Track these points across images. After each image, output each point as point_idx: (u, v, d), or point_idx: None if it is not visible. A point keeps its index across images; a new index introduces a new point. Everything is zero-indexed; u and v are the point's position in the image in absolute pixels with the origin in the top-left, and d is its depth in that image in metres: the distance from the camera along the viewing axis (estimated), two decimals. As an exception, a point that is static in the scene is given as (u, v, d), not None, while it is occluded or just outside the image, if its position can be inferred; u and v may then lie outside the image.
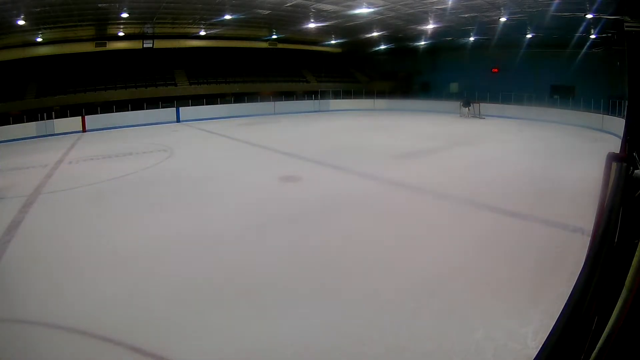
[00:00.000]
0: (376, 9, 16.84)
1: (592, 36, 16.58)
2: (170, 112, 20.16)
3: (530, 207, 5.67)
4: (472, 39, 20.54)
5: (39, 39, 17.84)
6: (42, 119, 16.55)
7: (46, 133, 16.22)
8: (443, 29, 19.22)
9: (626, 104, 11.85)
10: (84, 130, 17.20)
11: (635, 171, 2.03)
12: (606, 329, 0.99)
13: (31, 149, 13.03)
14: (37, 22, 15.84)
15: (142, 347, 2.80)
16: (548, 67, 19.33)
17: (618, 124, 12.40)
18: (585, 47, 17.31)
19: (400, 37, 22.66)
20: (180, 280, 3.86)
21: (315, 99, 24.54)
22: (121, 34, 19.96)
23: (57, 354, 2.81)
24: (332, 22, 19.24)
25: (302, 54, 26.57)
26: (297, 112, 22.59)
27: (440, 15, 17.26)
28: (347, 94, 24.93)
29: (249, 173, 8.65)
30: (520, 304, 3.20)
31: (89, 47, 19.72)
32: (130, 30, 19.75)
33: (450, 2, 15.12)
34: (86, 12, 15.98)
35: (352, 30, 21.50)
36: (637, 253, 1.10)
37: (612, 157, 1.86)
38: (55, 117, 17.20)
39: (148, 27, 19.57)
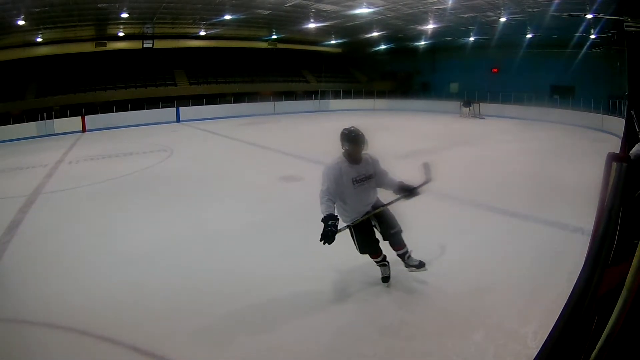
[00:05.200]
0: (376, 9, 16.85)
1: (592, 36, 16.59)
2: (170, 112, 20.15)
3: (530, 207, 5.67)
4: (472, 39, 20.54)
5: (39, 39, 17.84)
6: (42, 119, 16.55)
7: (46, 133, 16.22)
8: (443, 29, 19.22)
9: (626, 104, 11.86)
10: (84, 130, 17.20)
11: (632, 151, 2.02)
12: (606, 329, 0.99)
13: (31, 149, 13.03)
14: (37, 22, 15.84)
15: (142, 347, 2.79)
16: (548, 67, 19.32)
17: (618, 124, 12.40)
18: (585, 47, 17.32)
19: (400, 37, 22.66)
20: (180, 279, 3.86)
21: (315, 99, 24.52)
22: (121, 34, 19.96)
23: (57, 354, 2.81)
24: (332, 22, 19.24)
25: (302, 54, 26.57)
26: (297, 112, 22.57)
27: (440, 15, 17.26)
28: (347, 94, 24.91)
29: (249, 173, 8.65)
30: (519, 304, 3.20)
31: (88, 47, 19.72)
32: (130, 30, 19.76)
33: (450, 2, 15.13)
34: (86, 12, 15.99)
35: (352, 30, 21.51)
36: (637, 253, 1.10)
37: (612, 157, 1.86)
38: (55, 117, 17.19)
39: (148, 27, 19.57)
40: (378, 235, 3.38)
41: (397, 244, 3.37)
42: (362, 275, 3.69)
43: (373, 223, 3.33)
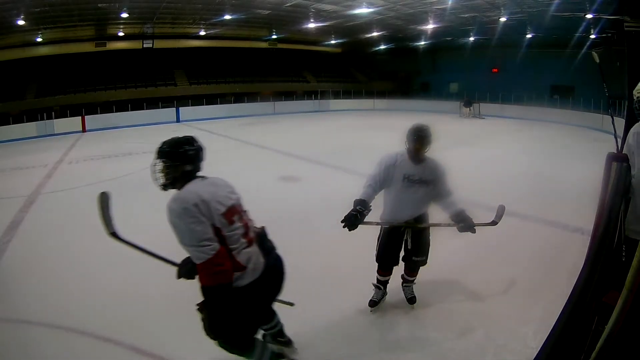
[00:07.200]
0: (376, 9, 16.86)
1: (592, 36, 16.59)
2: (170, 112, 20.14)
3: (530, 207, 5.67)
4: (472, 39, 20.54)
5: (39, 39, 17.84)
6: (42, 119, 16.54)
7: (46, 133, 16.22)
8: (443, 29, 19.23)
9: (626, 104, 11.83)
10: (84, 130, 17.20)
11: None
12: (606, 329, 0.99)
13: (31, 149, 13.02)
14: (37, 22, 15.85)
15: (142, 347, 2.80)
16: (548, 67, 19.32)
17: (618, 124, 12.38)
18: (585, 47, 17.30)
19: (400, 37, 22.68)
20: (180, 279, 3.85)
21: (315, 99, 24.53)
22: (121, 34, 19.97)
23: (57, 354, 2.81)
24: (332, 22, 19.25)
25: (302, 54, 26.58)
26: (297, 112, 22.56)
27: (440, 15, 17.27)
28: (347, 94, 24.92)
29: (249, 173, 8.64)
30: (519, 304, 3.20)
31: (89, 47, 19.73)
32: (130, 30, 19.77)
33: (450, 2, 15.14)
34: (86, 12, 16.00)
35: (352, 30, 21.52)
36: (637, 253, 1.10)
37: (612, 157, 1.86)
38: (55, 117, 17.19)
39: (148, 27, 19.58)
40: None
41: (413, 271, 3.19)
42: (362, 275, 3.69)
43: (406, 238, 3.00)
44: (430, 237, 3.10)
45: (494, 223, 3.01)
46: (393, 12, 17.86)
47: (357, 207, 2.76)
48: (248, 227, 2.07)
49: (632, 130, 2.27)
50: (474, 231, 2.89)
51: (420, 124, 2.97)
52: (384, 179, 2.88)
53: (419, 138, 2.87)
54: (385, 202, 2.99)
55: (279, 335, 2.59)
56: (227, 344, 2.12)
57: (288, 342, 2.63)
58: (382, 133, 14.06)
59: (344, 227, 2.73)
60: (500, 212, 3.07)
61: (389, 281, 3.26)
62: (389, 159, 2.92)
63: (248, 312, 2.03)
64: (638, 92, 2.26)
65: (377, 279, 3.23)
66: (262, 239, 2.18)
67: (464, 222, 2.87)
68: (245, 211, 2.16)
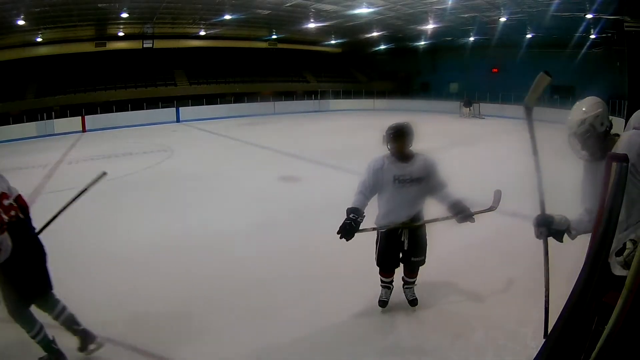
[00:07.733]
0: (376, 9, 16.87)
1: (592, 36, 16.61)
2: (170, 112, 20.17)
3: (530, 207, 5.65)
4: (472, 39, 20.56)
5: (39, 39, 17.87)
6: (42, 119, 16.57)
7: (46, 133, 16.24)
8: (443, 29, 19.25)
9: (626, 104, 11.85)
10: (84, 130, 17.21)
11: None
12: (606, 329, 0.99)
13: (31, 149, 13.03)
14: (37, 22, 15.87)
15: (142, 347, 2.80)
16: (548, 67, 19.03)
17: (618, 124, 12.39)
18: (585, 47, 17.32)
19: (400, 37, 22.70)
20: (180, 279, 3.86)
21: (315, 99, 24.53)
22: (121, 34, 19.99)
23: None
24: (332, 22, 19.26)
25: (302, 54, 26.59)
26: (297, 112, 22.57)
27: (440, 15, 17.28)
28: (347, 94, 24.93)
29: (249, 173, 8.65)
30: (519, 304, 3.20)
31: (89, 47, 19.75)
32: (130, 30, 19.79)
33: (450, 2, 15.14)
34: (86, 12, 16.02)
35: (352, 30, 21.54)
36: (637, 253, 1.10)
37: (612, 157, 1.85)
38: (55, 117, 17.21)
39: (148, 27, 19.60)
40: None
41: (412, 272, 3.14)
42: (363, 276, 3.69)
43: (403, 239, 2.94)
44: (426, 237, 3.08)
45: (492, 208, 2.95)
46: (393, 12, 17.88)
47: (351, 216, 2.71)
48: (3, 222, 2.48)
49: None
50: (473, 220, 2.83)
51: (396, 122, 2.90)
52: (373, 184, 2.83)
53: (395, 136, 2.79)
54: (379, 206, 2.94)
55: (72, 324, 2.74)
56: (17, 321, 2.59)
57: (84, 332, 2.73)
58: (382, 133, 14.06)
59: (340, 237, 2.67)
60: (498, 197, 3.03)
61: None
62: (376, 163, 2.85)
63: (13, 284, 2.54)
64: (569, 129, 2.07)
65: (382, 280, 3.23)
66: (15, 228, 2.57)
67: (461, 212, 2.81)
68: (3, 204, 2.53)
